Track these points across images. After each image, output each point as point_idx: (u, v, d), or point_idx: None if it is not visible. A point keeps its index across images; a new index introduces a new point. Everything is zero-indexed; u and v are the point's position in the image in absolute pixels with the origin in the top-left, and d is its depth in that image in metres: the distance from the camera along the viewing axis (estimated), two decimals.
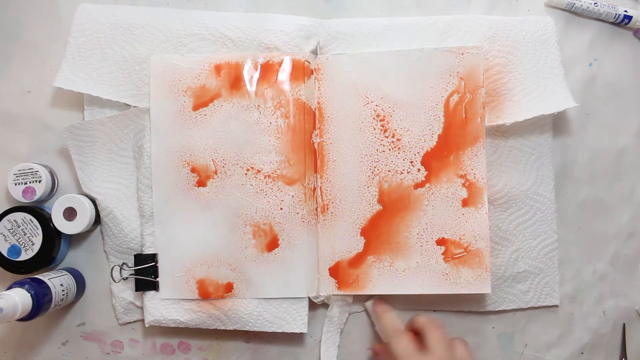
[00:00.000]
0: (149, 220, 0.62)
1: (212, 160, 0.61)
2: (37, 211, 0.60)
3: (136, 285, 0.62)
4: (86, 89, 0.62)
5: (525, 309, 0.65)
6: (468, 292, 0.61)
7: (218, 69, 0.62)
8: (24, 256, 0.60)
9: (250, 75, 0.61)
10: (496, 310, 0.64)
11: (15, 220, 0.60)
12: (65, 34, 0.63)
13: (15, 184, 0.61)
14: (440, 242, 0.61)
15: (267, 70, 0.61)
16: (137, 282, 0.62)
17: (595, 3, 0.65)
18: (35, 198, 0.61)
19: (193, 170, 0.61)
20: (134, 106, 0.62)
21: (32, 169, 0.61)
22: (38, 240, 0.60)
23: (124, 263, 0.63)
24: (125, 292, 0.63)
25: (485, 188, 0.60)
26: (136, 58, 0.62)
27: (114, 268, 0.63)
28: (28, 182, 0.61)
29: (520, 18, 0.64)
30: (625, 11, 0.65)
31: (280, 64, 0.61)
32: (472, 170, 0.60)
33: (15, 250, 0.60)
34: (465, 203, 0.60)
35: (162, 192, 0.62)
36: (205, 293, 0.61)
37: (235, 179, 0.61)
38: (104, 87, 0.62)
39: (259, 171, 0.61)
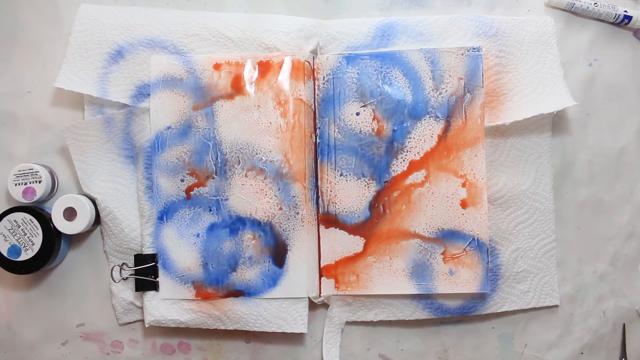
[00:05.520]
0: (148, 220, 0.62)
1: (212, 160, 0.61)
2: (37, 211, 0.60)
3: (136, 286, 0.62)
4: (87, 90, 0.62)
5: (526, 309, 0.64)
6: (467, 292, 0.61)
7: (218, 69, 0.62)
8: (24, 256, 0.60)
9: (250, 76, 0.61)
10: (498, 312, 0.64)
11: (15, 220, 0.60)
12: (65, 34, 0.64)
13: (15, 184, 0.61)
14: (440, 242, 0.61)
15: (267, 70, 0.61)
16: (137, 282, 0.62)
17: (595, 3, 0.65)
18: (36, 198, 0.61)
19: (193, 170, 0.61)
20: (134, 106, 0.62)
21: (32, 169, 0.61)
22: (38, 240, 0.60)
23: (123, 263, 0.63)
24: (125, 292, 0.63)
25: (484, 188, 0.61)
26: (136, 58, 0.62)
27: (114, 268, 0.63)
28: (28, 183, 0.61)
29: (521, 18, 0.64)
30: (625, 11, 0.65)
31: (280, 64, 0.61)
32: (471, 170, 0.61)
33: (15, 250, 0.60)
34: (464, 203, 0.61)
35: (162, 192, 0.62)
36: (205, 293, 0.61)
37: (235, 179, 0.61)
38: (105, 88, 0.62)
39: (259, 171, 0.61)
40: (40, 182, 0.61)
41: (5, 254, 0.60)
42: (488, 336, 0.65)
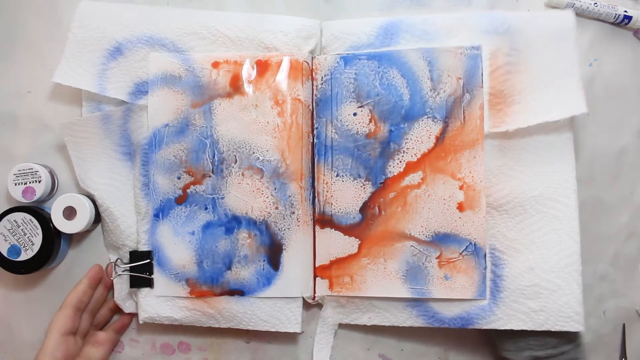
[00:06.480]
0: (144, 217, 0.62)
1: (209, 158, 0.61)
2: (37, 211, 0.61)
3: (130, 282, 0.62)
4: (85, 85, 0.62)
5: (539, 332, 0.59)
6: (462, 298, 0.60)
7: (217, 67, 0.62)
8: (24, 256, 0.60)
9: (248, 75, 0.61)
10: (502, 328, 0.59)
11: (15, 220, 0.60)
12: (65, 34, 0.63)
13: (15, 184, 0.61)
14: (436, 246, 0.60)
15: (266, 70, 0.61)
16: (132, 279, 0.62)
17: (595, 3, 0.65)
18: (35, 198, 0.61)
19: (189, 168, 0.61)
20: (132, 103, 0.62)
21: (32, 169, 0.61)
22: (38, 240, 0.60)
23: (118, 259, 0.63)
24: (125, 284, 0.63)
25: (482, 191, 0.59)
26: (135, 55, 0.62)
27: (109, 265, 0.63)
28: (28, 182, 0.61)
29: (537, 13, 0.63)
30: (625, 11, 0.65)
31: (278, 64, 0.61)
32: (469, 173, 0.60)
33: (15, 250, 0.60)
34: (461, 206, 0.60)
35: (159, 190, 0.62)
36: (200, 291, 0.61)
37: (231, 177, 0.61)
38: (103, 84, 0.62)
39: (256, 170, 0.61)
40: (40, 181, 0.61)
41: (5, 254, 0.60)
42: (488, 336, 0.65)
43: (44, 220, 0.60)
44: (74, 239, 0.65)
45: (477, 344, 0.65)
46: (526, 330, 0.58)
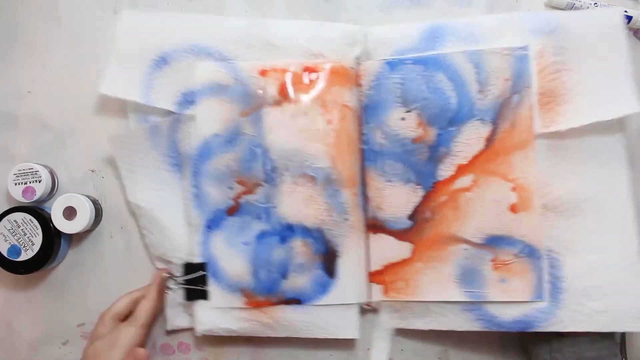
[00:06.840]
0: (197, 229, 0.61)
1: (261, 167, 0.61)
2: (37, 211, 0.60)
3: (187, 295, 0.61)
4: (131, 96, 0.61)
5: (602, 333, 0.58)
6: (520, 300, 0.59)
7: (264, 75, 0.61)
8: (24, 256, 0.60)
9: (296, 82, 0.61)
10: (564, 332, 0.58)
11: (15, 220, 0.60)
12: (65, 34, 0.64)
13: (15, 184, 0.61)
14: (490, 248, 0.59)
15: (313, 77, 0.61)
16: (188, 292, 0.61)
17: (595, 3, 0.65)
18: (35, 198, 0.61)
19: (241, 178, 0.61)
20: (179, 113, 0.61)
21: (32, 169, 0.61)
22: (38, 240, 0.60)
23: (170, 274, 0.62)
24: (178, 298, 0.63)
25: (536, 192, 0.59)
26: (181, 65, 0.61)
27: (162, 278, 0.62)
28: (28, 182, 0.61)
29: (584, 11, 0.62)
30: (625, 11, 0.65)
31: (325, 70, 0.61)
32: (522, 174, 0.59)
33: (15, 250, 0.60)
34: (515, 208, 0.59)
35: (210, 201, 0.61)
36: (256, 301, 0.61)
37: (284, 186, 0.60)
38: (149, 94, 0.61)
39: (308, 178, 0.60)
40: (40, 181, 0.61)
41: (5, 254, 0.60)
42: (488, 336, 0.65)
43: (44, 220, 0.60)
44: (74, 239, 0.65)
45: (477, 344, 0.65)
46: (563, 335, 0.58)
